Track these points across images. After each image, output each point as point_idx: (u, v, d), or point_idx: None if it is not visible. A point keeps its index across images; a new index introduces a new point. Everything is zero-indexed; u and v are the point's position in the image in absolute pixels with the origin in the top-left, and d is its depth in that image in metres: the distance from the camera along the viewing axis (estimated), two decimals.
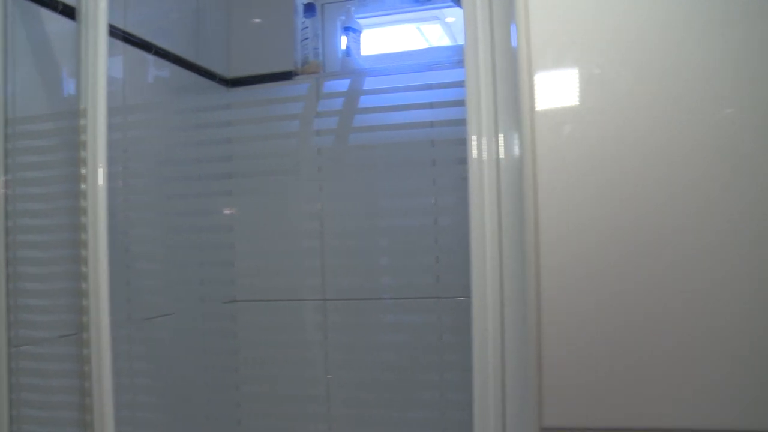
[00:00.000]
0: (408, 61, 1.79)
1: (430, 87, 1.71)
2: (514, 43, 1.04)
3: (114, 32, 1.46)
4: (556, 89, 0.99)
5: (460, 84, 1.13)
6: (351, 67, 1.84)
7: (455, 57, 1.73)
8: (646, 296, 0.96)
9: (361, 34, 1.89)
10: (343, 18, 1.88)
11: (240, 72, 1.92)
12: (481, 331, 1.14)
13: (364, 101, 1.81)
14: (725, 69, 0.96)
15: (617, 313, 0.96)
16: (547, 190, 0.99)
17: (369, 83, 1.80)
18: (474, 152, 1.16)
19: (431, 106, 1.71)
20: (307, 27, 1.88)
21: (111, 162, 1.25)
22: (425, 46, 2.03)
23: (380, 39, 2.00)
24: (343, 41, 1.87)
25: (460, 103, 1.13)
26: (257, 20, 1.94)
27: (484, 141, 1.15)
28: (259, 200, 1.87)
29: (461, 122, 1.12)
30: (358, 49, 1.87)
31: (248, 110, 1.90)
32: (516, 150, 1.08)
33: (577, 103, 0.99)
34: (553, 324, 0.97)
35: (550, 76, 1.00)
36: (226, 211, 1.92)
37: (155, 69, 1.70)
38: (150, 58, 1.66)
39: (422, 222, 1.75)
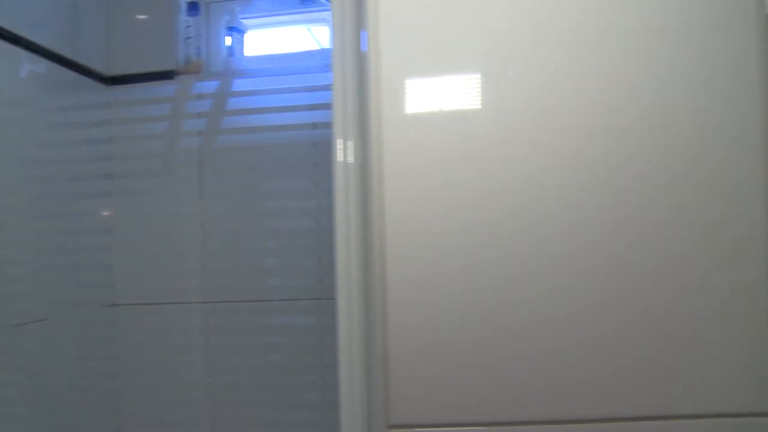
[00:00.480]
0: (292, 63, 1.79)
1: (312, 89, 1.72)
2: (363, 48, 1.07)
3: None
4: (403, 94, 1.02)
5: None
6: (234, 68, 1.83)
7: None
8: (490, 296, 1.00)
9: (246, 35, 1.88)
10: (228, 18, 1.86)
11: (120, 70, 1.87)
12: (346, 332, 1.15)
13: (247, 102, 1.80)
14: (582, 78, 1.02)
15: (462, 312, 1.00)
16: (393, 194, 1.01)
17: (252, 84, 1.79)
18: (340, 156, 1.18)
19: (313, 108, 1.73)
20: (190, 26, 1.85)
21: None
22: (316, 47, 2.04)
23: (270, 39, 1.99)
24: (227, 41, 1.85)
25: None
26: (138, 17, 1.89)
27: (350, 144, 1.17)
28: (140, 201, 1.82)
29: None
30: (242, 49, 1.86)
31: (128, 109, 1.85)
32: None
33: (425, 108, 1.02)
34: (398, 323, 1.00)
35: (398, 81, 1.02)
36: (105, 213, 1.86)
37: (28, 64, 1.63)
38: (21, 52, 1.59)
39: (304, 224, 1.76)
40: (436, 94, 1.01)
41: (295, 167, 1.76)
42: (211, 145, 1.81)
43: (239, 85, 1.81)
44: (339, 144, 1.17)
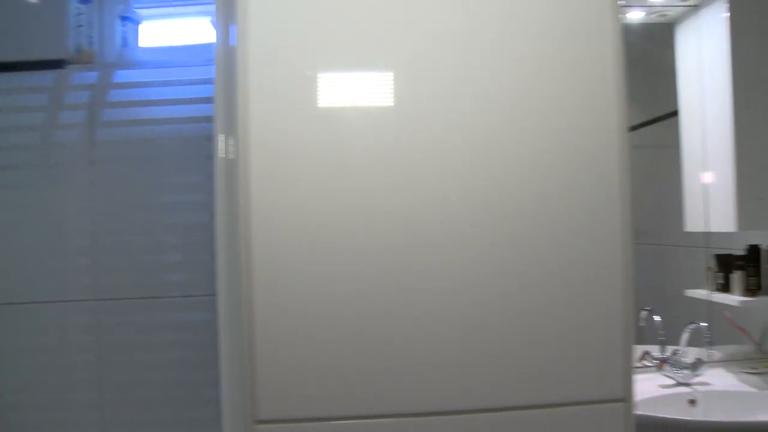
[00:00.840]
0: (187, 55, 1.75)
1: (206, 81, 1.69)
2: (232, 42, 1.06)
3: None
4: (270, 90, 1.02)
5: None
6: (128, 58, 1.77)
7: None
8: (352, 295, 1.01)
9: (140, 25, 1.82)
10: (122, 7, 1.80)
11: (4, 57, 1.77)
12: (226, 328, 1.15)
13: (141, 94, 1.75)
14: (449, 79, 1.04)
15: (326, 311, 1.01)
16: (260, 191, 1.01)
17: (146, 75, 1.75)
18: (221, 151, 1.16)
19: (208, 100, 1.69)
20: (82, 13, 1.78)
21: None
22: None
23: (168, 30, 1.94)
24: (121, 31, 1.80)
25: None
26: (26, 1, 1.80)
27: (231, 140, 1.16)
28: (24, 195, 1.74)
29: None
30: (136, 39, 1.81)
31: (12, 98, 1.76)
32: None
33: (293, 105, 1.02)
34: (264, 320, 1.00)
35: (265, 77, 1.02)
36: None
37: None
38: None
39: (200, 218, 1.73)
40: (305, 90, 1.01)
41: (189, 160, 1.73)
42: (102, 137, 1.75)
43: (133, 76, 1.76)
44: (221, 139, 1.16)
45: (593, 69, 1.05)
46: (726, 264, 1.89)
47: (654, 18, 1.94)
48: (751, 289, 1.83)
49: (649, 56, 2.06)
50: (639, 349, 1.88)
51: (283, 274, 1.00)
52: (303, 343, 1.00)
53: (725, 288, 1.88)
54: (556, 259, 1.03)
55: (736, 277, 1.85)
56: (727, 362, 1.94)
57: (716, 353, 1.94)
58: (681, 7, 1.89)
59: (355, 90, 1.02)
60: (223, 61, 1.16)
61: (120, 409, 1.74)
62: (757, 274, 1.85)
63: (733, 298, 1.83)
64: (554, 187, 1.03)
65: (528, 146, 1.04)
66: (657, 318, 1.89)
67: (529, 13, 1.04)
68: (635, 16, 1.92)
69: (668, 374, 1.83)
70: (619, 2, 1.47)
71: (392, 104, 1.02)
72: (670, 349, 1.86)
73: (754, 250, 1.87)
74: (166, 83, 1.73)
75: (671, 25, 1.97)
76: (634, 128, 2.11)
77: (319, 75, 1.02)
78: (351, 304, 1.00)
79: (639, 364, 1.86)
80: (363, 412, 1.00)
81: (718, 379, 1.82)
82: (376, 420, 1.00)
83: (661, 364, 1.85)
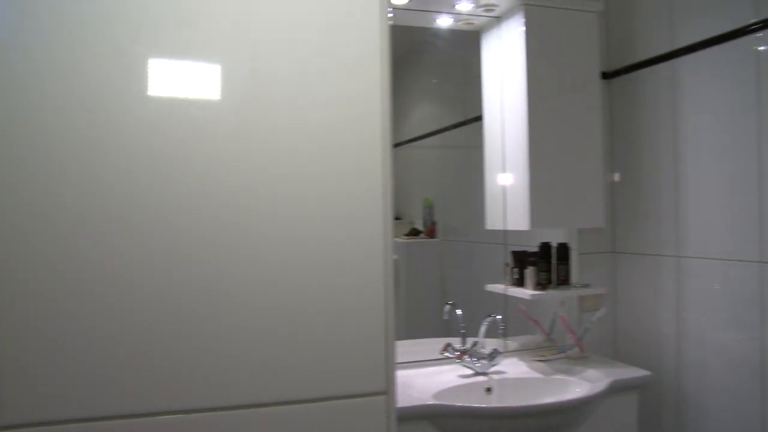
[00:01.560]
0: None
1: None
2: None
3: None
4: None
5: None
6: None
7: None
8: (95, 293, 0.97)
9: None
10: None
11: None
12: None
13: None
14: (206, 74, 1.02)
15: (67, 312, 0.96)
16: None
17: None
18: None
19: None
20: None
21: None
22: None
23: None
24: None
25: None
26: None
27: None
28: None
29: None
30: None
31: None
32: None
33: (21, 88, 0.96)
34: (4, 320, 0.93)
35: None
36: None
37: None
38: None
39: None
40: (36, 76, 0.95)
41: None
42: None
43: None
44: None
45: (360, 65, 1.07)
46: (521, 260, 2.03)
47: (462, 25, 2.03)
48: (542, 284, 1.98)
49: (459, 62, 2.17)
50: (442, 342, 1.96)
51: (19, 271, 0.93)
52: (44, 346, 0.94)
53: (520, 282, 2.02)
54: (319, 258, 1.04)
55: (530, 272, 1.99)
56: (520, 351, 2.08)
57: (511, 343, 2.09)
58: (486, 17, 1.99)
59: (89, 77, 0.97)
60: None
61: None
62: (548, 269, 2.01)
63: (526, 292, 1.97)
64: (316, 187, 1.05)
65: (295, 141, 1.05)
66: (459, 311, 1.99)
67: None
68: (444, 22, 2.00)
69: (468, 365, 1.93)
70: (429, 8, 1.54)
71: (152, 93, 0.99)
72: (470, 340, 1.97)
73: (545, 248, 2.02)
74: None
75: (478, 33, 2.08)
76: (445, 130, 2.22)
77: (61, 67, 0.95)
78: (91, 304, 0.96)
79: (441, 356, 1.95)
80: (109, 413, 0.96)
81: (512, 368, 1.95)
82: (125, 420, 0.96)
83: (461, 355, 1.95)
